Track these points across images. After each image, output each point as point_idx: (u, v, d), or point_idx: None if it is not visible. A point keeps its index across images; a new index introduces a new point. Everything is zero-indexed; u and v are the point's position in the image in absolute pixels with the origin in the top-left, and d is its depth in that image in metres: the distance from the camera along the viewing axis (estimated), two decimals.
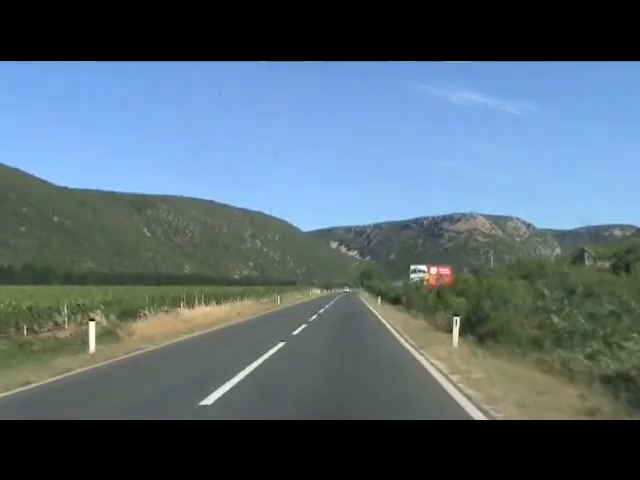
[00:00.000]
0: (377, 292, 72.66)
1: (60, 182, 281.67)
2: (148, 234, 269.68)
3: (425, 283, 46.29)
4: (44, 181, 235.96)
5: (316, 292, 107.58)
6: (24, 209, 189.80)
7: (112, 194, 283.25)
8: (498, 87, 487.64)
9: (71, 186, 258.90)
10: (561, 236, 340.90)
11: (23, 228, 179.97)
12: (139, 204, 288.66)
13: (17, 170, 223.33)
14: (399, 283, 66.11)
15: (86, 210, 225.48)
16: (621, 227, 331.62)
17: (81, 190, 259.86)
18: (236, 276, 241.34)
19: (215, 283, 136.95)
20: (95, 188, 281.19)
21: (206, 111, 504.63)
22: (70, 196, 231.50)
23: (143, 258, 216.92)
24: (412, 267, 56.29)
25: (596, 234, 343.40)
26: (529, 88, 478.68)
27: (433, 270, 52.12)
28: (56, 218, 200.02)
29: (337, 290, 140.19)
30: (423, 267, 55.18)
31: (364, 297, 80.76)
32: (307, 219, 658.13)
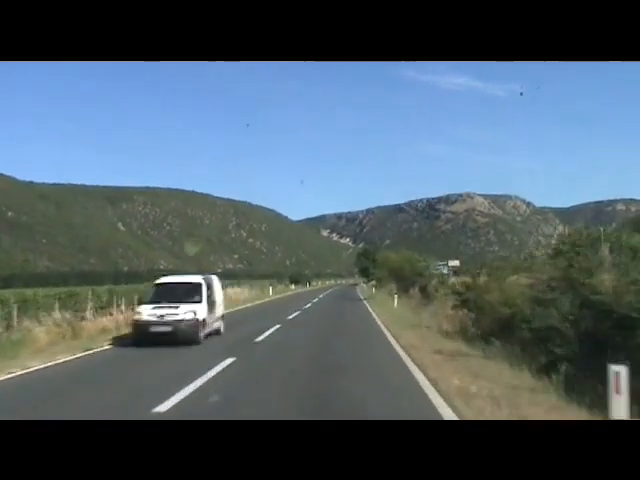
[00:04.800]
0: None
1: (26, 177, 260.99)
2: (122, 229, 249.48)
3: None
4: (4, 175, 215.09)
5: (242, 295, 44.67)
6: None
7: (84, 187, 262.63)
8: (483, 70, 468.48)
9: (38, 180, 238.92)
10: (562, 213, 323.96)
11: None
12: (113, 197, 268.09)
13: None
14: (443, 269, 38.04)
15: (47, 204, 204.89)
16: (624, 201, 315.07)
17: (50, 184, 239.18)
18: (219, 269, 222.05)
19: None
20: (66, 182, 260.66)
21: (190, 102, 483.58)
22: (32, 190, 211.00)
23: (113, 255, 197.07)
24: None
25: (598, 210, 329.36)
26: (513, 69, 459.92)
27: None
28: (10, 213, 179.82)
29: (332, 282, 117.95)
30: None
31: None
32: (296, 207, 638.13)
